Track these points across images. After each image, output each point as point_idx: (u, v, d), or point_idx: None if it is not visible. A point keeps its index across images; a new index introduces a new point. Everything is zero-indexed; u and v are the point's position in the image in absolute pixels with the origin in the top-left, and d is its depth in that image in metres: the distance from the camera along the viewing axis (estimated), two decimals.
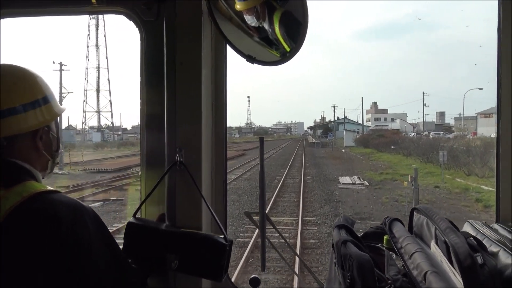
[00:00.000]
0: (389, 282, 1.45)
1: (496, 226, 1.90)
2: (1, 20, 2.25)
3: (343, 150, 54.03)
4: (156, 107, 2.09)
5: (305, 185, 23.43)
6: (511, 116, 2.09)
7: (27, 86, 1.73)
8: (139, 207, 2.08)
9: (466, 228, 1.95)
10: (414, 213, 2.01)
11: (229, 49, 2.04)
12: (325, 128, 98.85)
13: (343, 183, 24.09)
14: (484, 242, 1.74)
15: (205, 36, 2.03)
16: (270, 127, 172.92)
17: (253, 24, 1.98)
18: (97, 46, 72.54)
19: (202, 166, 2.01)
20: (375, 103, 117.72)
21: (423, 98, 79.99)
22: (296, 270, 8.26)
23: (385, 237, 1.93)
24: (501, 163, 2.11)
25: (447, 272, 1.58)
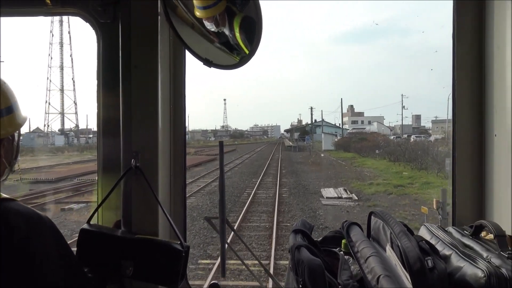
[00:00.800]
0: (339, 287, 1.46)
1: (451, 229, 1.92)
2: None
3: (322, 155, 49.04)
4: (113, 110, 2.05)
5: (280, 201, 18.59)
6: (465, 121, 2.13)
7: None
8: (94, 213, 2.03)
9: (422, 231, 1.97)
10: (372, 216, 2.02)
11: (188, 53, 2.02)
12: (302, 131, 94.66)
13: (327, 197, 19.64)
14: (438, 245, 1.76)
15: (162, 39, 2.00)
16: (246, 130, 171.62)
17: (212, 30, 1.96)
18: (61, 44, 66.74)
19: (159, 171, 1.98)
20: (352, 106, 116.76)
21: (402, 100, 76.61)
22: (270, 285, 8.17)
23: (343, 241, 1.93)
24: (457, 168, 2.15)
25: (400, 276, 1.58)
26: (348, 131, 79.97)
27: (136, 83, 1.95)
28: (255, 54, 1.87)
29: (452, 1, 2.14)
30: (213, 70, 1.95)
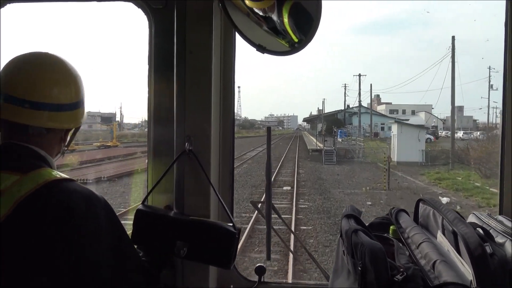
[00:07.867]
0: (401, 270, 1.47)
1: (500, 218, 1.92)
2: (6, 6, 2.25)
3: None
4: (165, 96, 2.08)
5: None
6: None
7: (77, 86, 1.75)
8: (148, 195, 2.08)
9: (471, 219, 1.97)
10: (420, 204, 2.03)
11: (237, 38, 2.04)
12: (333, 121, 59.57)
13: None
14: (490, 232, 1.77)
15: (215, 25, 2.02)
16: (260, 120, 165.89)
17: (261, 14, 1.97)
18: None
19: (211, 155, 2.02)
20: (378, 95, 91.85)
21: (489, 76, 45.41)
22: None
23: (391, 227, 1.94)
24: (505, 158, 2.14)
25: (455, 262, 1.60)
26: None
27: (190, 68, 1.98)
28: (308, 44, 1.88)
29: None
30: None
